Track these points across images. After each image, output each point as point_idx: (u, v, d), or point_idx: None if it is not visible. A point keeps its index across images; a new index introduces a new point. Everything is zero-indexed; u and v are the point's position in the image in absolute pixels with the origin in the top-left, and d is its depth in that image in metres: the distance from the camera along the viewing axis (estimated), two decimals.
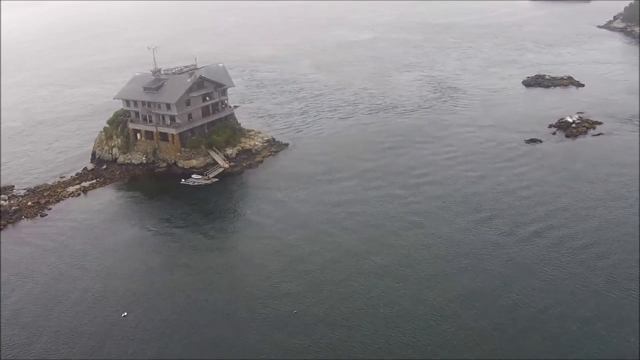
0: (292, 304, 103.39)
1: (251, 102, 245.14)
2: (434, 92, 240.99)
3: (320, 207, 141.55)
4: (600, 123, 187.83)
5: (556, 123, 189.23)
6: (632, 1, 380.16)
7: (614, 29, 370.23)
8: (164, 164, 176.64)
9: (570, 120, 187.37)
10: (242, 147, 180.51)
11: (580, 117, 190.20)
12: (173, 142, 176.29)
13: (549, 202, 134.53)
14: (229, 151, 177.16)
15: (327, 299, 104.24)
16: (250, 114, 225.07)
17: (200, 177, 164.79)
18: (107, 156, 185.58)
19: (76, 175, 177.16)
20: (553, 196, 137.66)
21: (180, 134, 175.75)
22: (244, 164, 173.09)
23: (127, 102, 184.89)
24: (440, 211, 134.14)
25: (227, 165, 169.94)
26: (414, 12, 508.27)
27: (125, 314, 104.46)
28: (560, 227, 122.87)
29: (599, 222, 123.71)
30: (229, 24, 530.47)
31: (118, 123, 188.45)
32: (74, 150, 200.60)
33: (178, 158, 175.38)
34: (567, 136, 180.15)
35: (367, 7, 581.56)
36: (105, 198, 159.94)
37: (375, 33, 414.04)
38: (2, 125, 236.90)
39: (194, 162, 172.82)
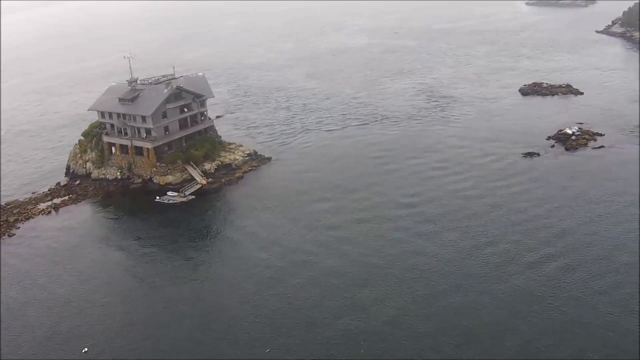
0: (269, 329, 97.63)
1: (235, 112, 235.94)
2: (428, 101, 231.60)
3: (300, 227, 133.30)
4: (601, 134, 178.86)
5: (555, 135, 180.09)
6: (631, 5, 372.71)
7: (613, 34, 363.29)
8: (139, 180, 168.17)
9: (569, 131, 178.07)
10: (221, 162, 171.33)
11: (580, 128, 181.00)
12: (148, 157, 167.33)
13: (548, 227, 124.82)
14: (207, 166, 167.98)
15: (302, 323, 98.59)
16: (233, 124, 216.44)
17: (175, 194, 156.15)
18: (81, 171, 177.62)
19: (48, 190, 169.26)
20: (552, 219, 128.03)
21: (156, 148, 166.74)
22: (223, 180, 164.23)
23: (102, 114, 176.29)
24: (431, 236, 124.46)
25: (204, 182, 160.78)
26: (411, 17, 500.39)
27: (86, 349, 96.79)
28: (560, 255, 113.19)
29: (601, 251, 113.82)
30: (228, 29, 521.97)
31: (93, 136, 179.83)
32: (50, 164, 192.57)
33: (154, 174, 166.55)
34: (566, 149, 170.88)
35: (368, 10, 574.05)
36: (77, 216, 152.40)
37: (370, 39, 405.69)
38: None
39: (170, 178, 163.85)
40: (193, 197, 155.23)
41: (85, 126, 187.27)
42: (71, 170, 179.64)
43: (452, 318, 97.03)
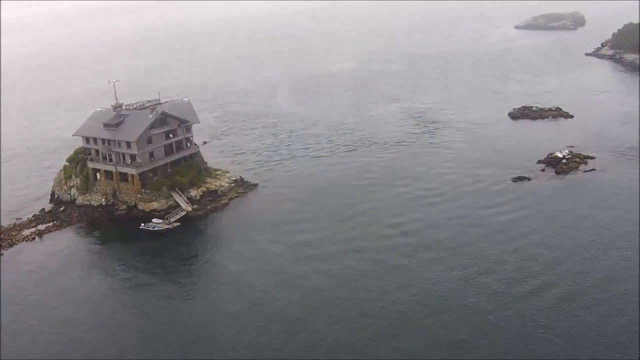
0: None
1: (221, 138, 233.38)
2: (416, 126, 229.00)
3: (286, 256, 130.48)
4: (592, 157, 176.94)
5: (545, 158, 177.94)
6: (620, 27, 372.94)
7: (602, 56, 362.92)
8: (124, 207, 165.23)
9: (560, 155, 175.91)
10: (207, 188, 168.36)
11: (570, 152, 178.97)
12: (133, 183, 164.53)
13: (539, 256, 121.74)
14: (193, 193, 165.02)
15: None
16: (219, 150, 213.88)
17: (160, 221, 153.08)
18: (66, 197, 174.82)
19: (33, 217, 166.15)
20: (544, 248, 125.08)
21: (140, 174, 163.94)
22: (209, 207, 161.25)
23: (87, 139, 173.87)
24: (419, 265, 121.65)
25: (189, 209, 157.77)
26: (397, 43, 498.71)
27: None
28: (552, 285, 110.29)
29: (595, 280, 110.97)
30: (212, 56, 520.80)
31: (77, 162, 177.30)
32: (36, 190, 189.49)
33: (138, 200, 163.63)
34: (557, 173, 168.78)
35: (353, 35, 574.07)
36: (61, 243, 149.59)
37: (356, 63, 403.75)
38: None
39: (155, 205, 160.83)
40: (178, 224, 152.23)
41: (71, 152, 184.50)
42: (56, 197, 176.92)
43: (441, 353, 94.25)
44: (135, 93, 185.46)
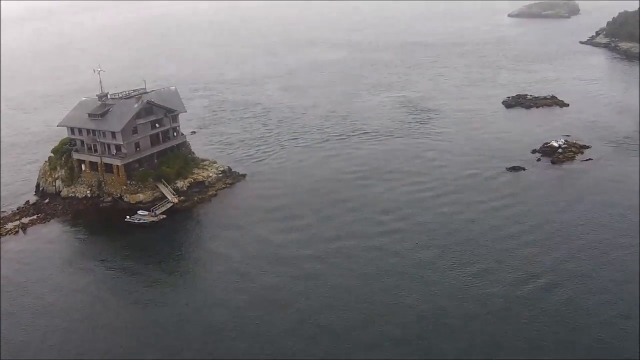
0: None
1: (209, 128, 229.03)
2: (408, 115, 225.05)
3: (273, 247, 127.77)
4: (588, 147, 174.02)
5: (540, 148, 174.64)
6: (615, 16, 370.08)
7: (597, 45, 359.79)
8: (109, 199, 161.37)
9: (555, 144, 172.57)
10: (194, 179, 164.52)
11: (566, 141, 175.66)
12: (118, 174, 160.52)
13: (532, 244, 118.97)
14: (180, 184, 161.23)
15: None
16: (207, 140, 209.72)
17: (146, 213, 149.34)
18: (51, 189, 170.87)
19: (17, 210, 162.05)
20: (538, 236, 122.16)
21: (126, 165, 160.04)
22: (195, 198, 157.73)
23: (72, 129, 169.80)
24: (410, 256, 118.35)
25: (176, 200, 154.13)
26: (388, 31, 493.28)
27: None
28: (545, 274, 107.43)
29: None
30: (202, 44, 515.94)
31: (62, 153, 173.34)
32: (21, 182, 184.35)
33: (124, 192, 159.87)
34: (553, 162, 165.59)
35: (343, 24, 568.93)
36: (45, 236, 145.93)
37: (347, 52, 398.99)
38: None
39: (141, 197, 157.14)
40: (164, 216, 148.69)
41: (57, 143, 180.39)
42: (41, 189, 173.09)
43: (430, 342, 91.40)
44: (123, 83, 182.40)
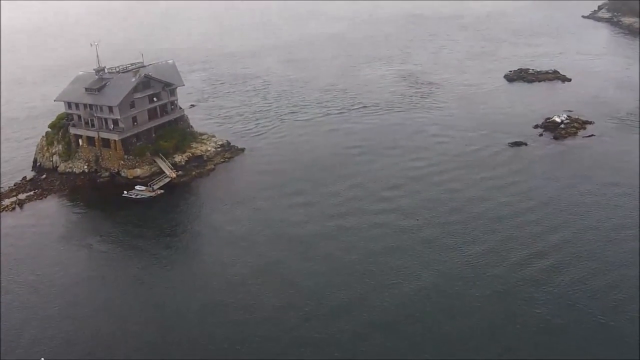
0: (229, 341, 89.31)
1: (208, 101, 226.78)
2: (409, 89, 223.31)
3: (272, 222, 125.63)
4: (591, 122, 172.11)
5: (543, 123, 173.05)
6: None
7: (599, 19, 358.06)
8: (107, 174, 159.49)
9: (558, 120, 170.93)
10: (192, 154, 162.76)
11: (568, 116, 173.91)
12: (116, 149, 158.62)
13: (536, 223, 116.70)
14: (178, 158, 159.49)
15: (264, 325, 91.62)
16: (206, 114, 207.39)
17: (144, 188, 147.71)
18: (48, 164, 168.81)
19: (14, 186, 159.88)
20: (541, 214, 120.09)
21: (123, 140, 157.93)
22: (194, 173, 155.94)
23: (69, 104, 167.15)
24: (411, 233, 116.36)
25: (174, 175, 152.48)
26: (388, 4, 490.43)
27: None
28: (549, 253, 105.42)
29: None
30: (200, 19, 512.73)
31: (60, 128, 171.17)
32: (19, 158, 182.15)
33: (121, 167, 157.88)
34: (555, 138, 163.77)
35: None
36: (42, 212, 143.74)
37: (347, 25, 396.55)
38: None
39: (138, 172, 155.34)
40: (162, 191, 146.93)
41: (55, 118, 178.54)
42: (38, 164, 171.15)
43: (431, 324, 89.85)
44: (120, 57, 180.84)
